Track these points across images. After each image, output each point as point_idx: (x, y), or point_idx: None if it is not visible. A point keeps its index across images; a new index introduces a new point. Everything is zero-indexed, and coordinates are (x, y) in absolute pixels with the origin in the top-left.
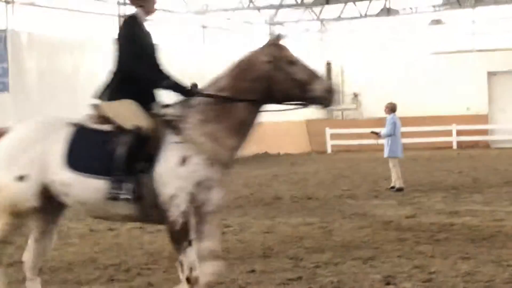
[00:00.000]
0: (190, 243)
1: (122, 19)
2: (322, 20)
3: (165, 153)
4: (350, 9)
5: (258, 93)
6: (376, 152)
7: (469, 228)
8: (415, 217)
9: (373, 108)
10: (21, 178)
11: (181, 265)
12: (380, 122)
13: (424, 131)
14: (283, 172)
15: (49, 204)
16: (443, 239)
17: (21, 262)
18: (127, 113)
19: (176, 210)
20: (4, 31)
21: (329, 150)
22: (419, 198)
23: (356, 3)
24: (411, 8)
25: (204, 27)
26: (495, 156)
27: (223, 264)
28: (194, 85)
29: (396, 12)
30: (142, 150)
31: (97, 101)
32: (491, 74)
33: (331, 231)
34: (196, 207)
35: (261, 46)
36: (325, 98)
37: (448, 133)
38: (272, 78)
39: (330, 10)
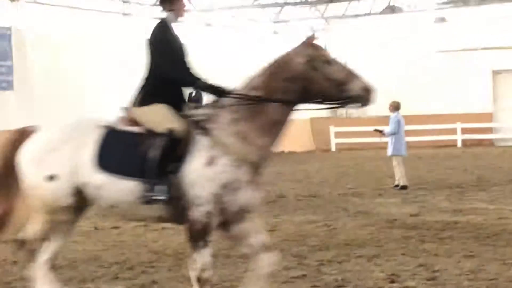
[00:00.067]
0: (207, 244)
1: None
2: (326, 18)
3: (193, 154)
4: (354, 7)
5: (292, 93)
6: (380, 150)
7: (473, 226)
8: (420, 215)
9: (378, 106)
10: (51, 178)
11: (194, 263)
12: (384, 120)
13: (428, 129)
14: (287, 170)
15: (82, 204)
16: (447, 237)
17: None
18: (159, 118)
19: (199, 210)
20: (9, 28)
21: (333, 148)
22: (423, 196)
23: (360, 1)
24: (415, 6)
25: (208, 25)
26: (500, 154)
27: (277, 254)
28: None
29: (400, 10)
30: (174, 152)
31: (129, 106)
32: (495, 73)
33: (335, 229)
34: (221, 208)
35: (297, 46)
36: (363, 97)
37: (453, 131)
38: (308, 78)
39: (334, 8)
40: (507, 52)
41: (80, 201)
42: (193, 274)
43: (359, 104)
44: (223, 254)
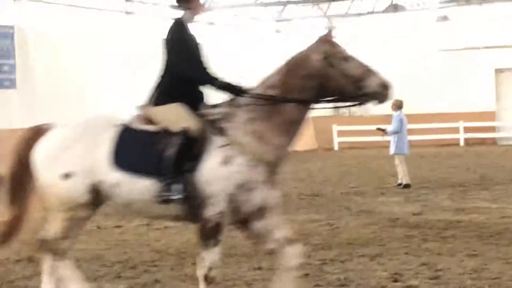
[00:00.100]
0: (217, 243)
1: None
2: (329, 17)
3: (210, 153)
4: (357, 6)
5: (310, 90)
6: (383, 149)
7: (476, 225)
8: (422, 214)
9: (380, 105)
10: (66, 176)
11: (203, 261)
12: (387, 119)
13: (431, 128)
14: (289, 169)
15: (98, 201)
16: (450, 236)
17: (27, 259)
18: (175, 117)
19: (213, 209)
20: (12, 27)
21: (336, 147)
22: (426, 195)
23: None
24: (418, 5)
25: (211, 23)
26: (503, 153)
27: (302, 246)
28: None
29: (403, 8)
30: (189, 151)
31: (145, 104)
32: (498, 71)
33: (338, 228)
34: (235, 207)
35: (313, 43)
36: (381, 94)
37: (455, 130)
38: (326, 75)
39: (337, 7)
40: (509, 50)
41: (96, 199)
42: (200, 272)
43: (377, 101)
44: (225, 253)
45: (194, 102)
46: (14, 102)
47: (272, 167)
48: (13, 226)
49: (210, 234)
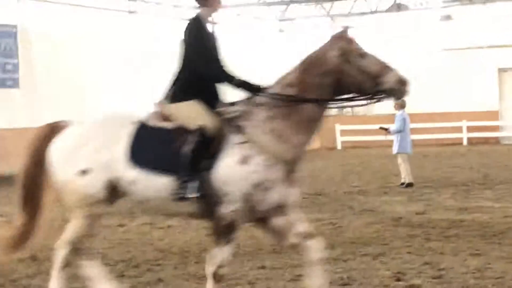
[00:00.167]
0: (230, 241)
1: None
2: (332, 16)
3: (227, 152)
4: (360, 5)
5: (327, 87)
6: (386, 148)
7: (479, 224)
8: (425, 213)
9: (383, 104)
10: (83, 172)
11: (213, 258)
12: (390, 118)
13: (434, 127)
14: None
15: (114, 198)
16: (453, 236)
17: (30, 258)
18: (192, 114)
19: (228, 207)
20: (15, 26)
21: (339, 146)
22: (429, 194)
23: None
24: (421, 4)
25: (214, 23)
26: (506, 152)
27: (321, 240)
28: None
29: (406, 8)
30: (206, 149)
31: (162, 101)
32: (501, 70)
33: (340, 227)
34: (251, 206)
35: (329, 40)
36: (398, 90)
37: (459, 129)
38: (343, 71)
39: (340, 6)
40: None
41: (112, 195)
42: (209, 269)
43: (394, 97)
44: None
45: (211, 99)
46: (17, 102)
47: (290, 166)
48: (27, 230)
49: (224, 232)
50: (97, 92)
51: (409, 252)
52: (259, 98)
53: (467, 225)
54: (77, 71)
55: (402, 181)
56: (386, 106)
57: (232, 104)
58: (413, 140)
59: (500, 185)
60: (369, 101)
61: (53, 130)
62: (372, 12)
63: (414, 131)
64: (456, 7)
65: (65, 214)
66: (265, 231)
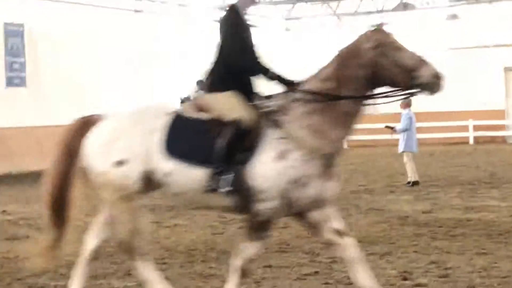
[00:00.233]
0: (263, 237)
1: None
2: (338, 15)
3: (264, 146)
4: (367, 4)
5: (362, 80)
6: (392, 147)
7: (485, 223)
8: (432, 212)
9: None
10: (119, 163)
11: (242, 252)
12: (396, 117)
13: (440, 126)
14: None
15: (149, 189)
16: (459, 235)
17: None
18: (229, 106)
19: (264, 204)
20: (21, 25)
21: (344, 145)
22: (435, 193)
23: None
24: (427, 3)
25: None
26: None
27: (354, 238)
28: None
29: (412, 7)
30: (242, 142)
31: (198, 91)
32: (508, 69)
33: (347, 226)
34: (287, 203)
35: (365, 32)
36: (434, 84)
37: (465, 128)
38: (378, 64)
39: (347, 5)
40: None
41: (147, 187)
42: (237, 263)
43: (429, 92)
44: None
45: (247, 91)
46: (24, 100)
47: (328, 161)
48: (58, 236)
49: (258, 228)
50: (105, 90)
51: (415, 251)
52: (297, 94)
53: (474, 224)
54: (84, 69)
55: (408, 180)
56: (392, 105)
57: (269, 97)
58: (419, 139)
59: (507, 184)
60: (404, 95)
61: (86, 123)
62: (378, 11)
63: (420, 130)
64: (462, 6)
65: (89, 210)
66: (302, 224)
